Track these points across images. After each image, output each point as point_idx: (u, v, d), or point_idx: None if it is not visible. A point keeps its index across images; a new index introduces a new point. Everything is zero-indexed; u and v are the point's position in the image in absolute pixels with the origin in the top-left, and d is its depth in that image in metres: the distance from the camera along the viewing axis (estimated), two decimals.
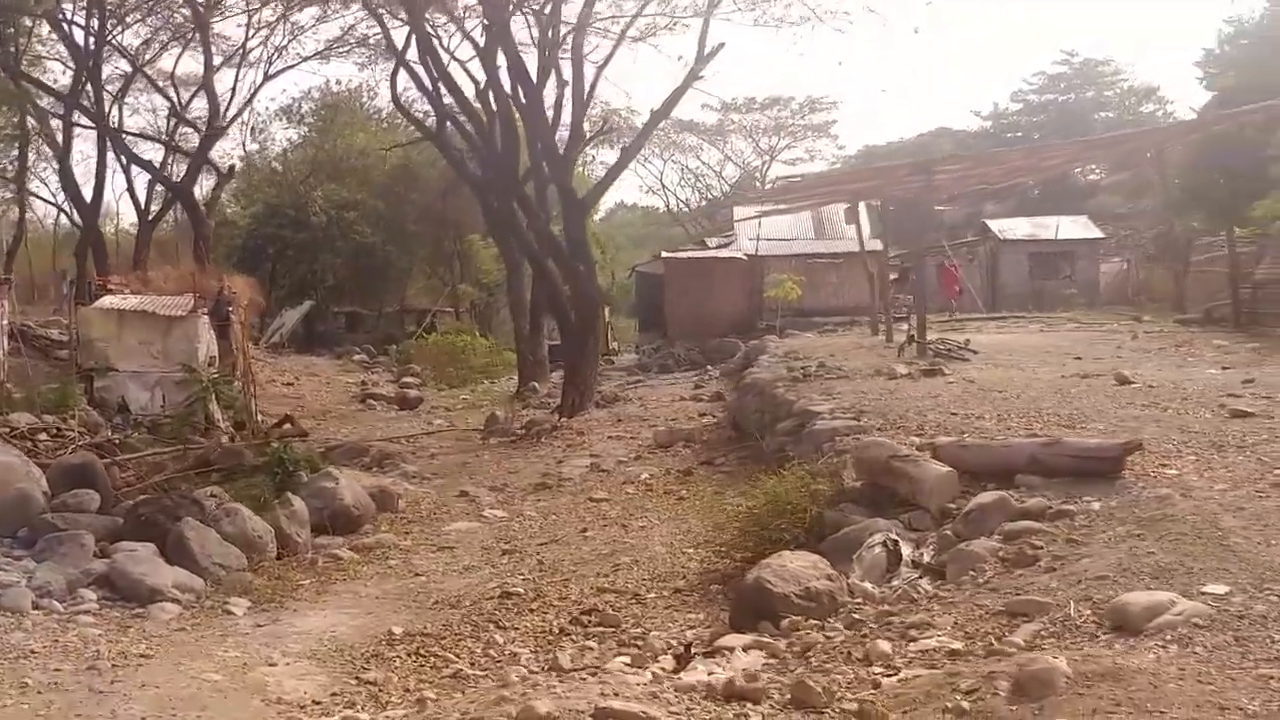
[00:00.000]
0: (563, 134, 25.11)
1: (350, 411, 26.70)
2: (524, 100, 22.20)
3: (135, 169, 37.88)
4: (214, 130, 33.89)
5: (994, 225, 42.15)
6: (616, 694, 5.27)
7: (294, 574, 10.64)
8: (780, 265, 34.02)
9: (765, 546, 9.38)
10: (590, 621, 8.74)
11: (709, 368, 29.63)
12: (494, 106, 24.18)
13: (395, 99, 31.14)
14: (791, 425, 14.40)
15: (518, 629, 8.70)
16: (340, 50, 39.33)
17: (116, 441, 17.70)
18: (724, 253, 35.97)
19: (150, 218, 37.67)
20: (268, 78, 37.15)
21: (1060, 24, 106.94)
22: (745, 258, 35.00)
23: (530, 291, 30.13)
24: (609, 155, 47.92)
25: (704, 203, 63.82)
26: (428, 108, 34.49)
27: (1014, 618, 6.12)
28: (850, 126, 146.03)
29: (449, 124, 28.15)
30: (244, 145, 46.10)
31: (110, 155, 35.19)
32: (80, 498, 11.30)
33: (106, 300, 21.12)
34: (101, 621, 8.82)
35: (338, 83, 46.28)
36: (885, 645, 6.13)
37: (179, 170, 38.53)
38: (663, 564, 10.56)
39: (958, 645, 5.89)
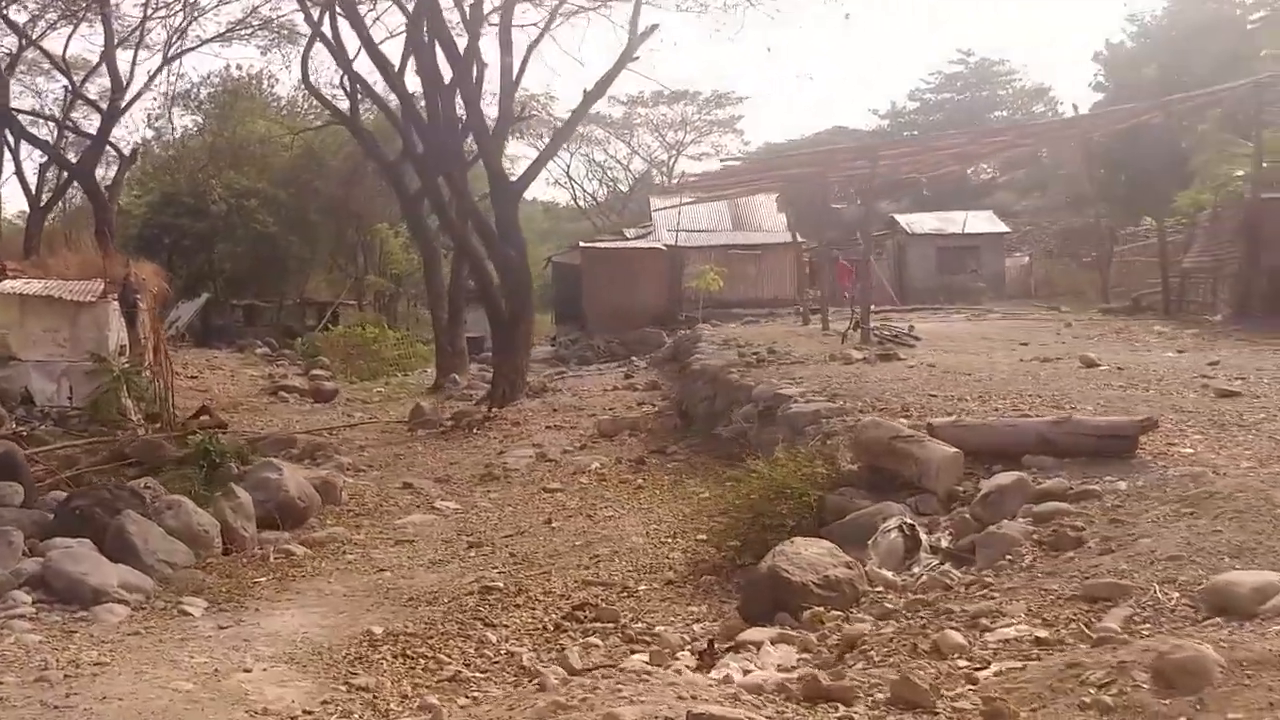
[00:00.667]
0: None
1: (262, 404, 25.53)
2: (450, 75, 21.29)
3: (24, 151, 36.05)
4: (116, 108, 32.16)
5: (901, 219, 42.30)
6: (695, 697, 4.63)
7: (247, 571, 9.75)
8: (700, 257, 33.60)
9: (761, 534, 8.85)
10: (585, 617, 8.05)
11: (633, 358, 29.01)
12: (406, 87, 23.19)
13: (306, 80, 29.91)
14: (751, 410, 13.92)
15: (507, 626, 7.97)
16: (243, 33, 37.93)
17: (23, 434, 16.48)
18: (643, 243, 35.43)
19: (42, 204, 35.73)
20: (167, 60, 35.49)
21: (958, 24, 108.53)
22: (665, 248, 34.50)
23: (450, 280, 29.19)
24: (514, 149, 47.15)
25: (610, 195, 63.17)
26: (336, 90, 33.53)
27: (1094, 603, 5.61)
28: (750, 123, 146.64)
29: (369, 103, 27.08)
30: (170, 118, 43.96)
31: None
32: (1, 491, 10.25)
33: (7, 284, 19.69)
34: (40, 627, 7.88)
35: (238, 67, 44.54)
36: (958, 636, 5.57)
37: (71, 156, 36.65)
38: (644, 555, 9.92)
39: (1043, 634, 5.36)
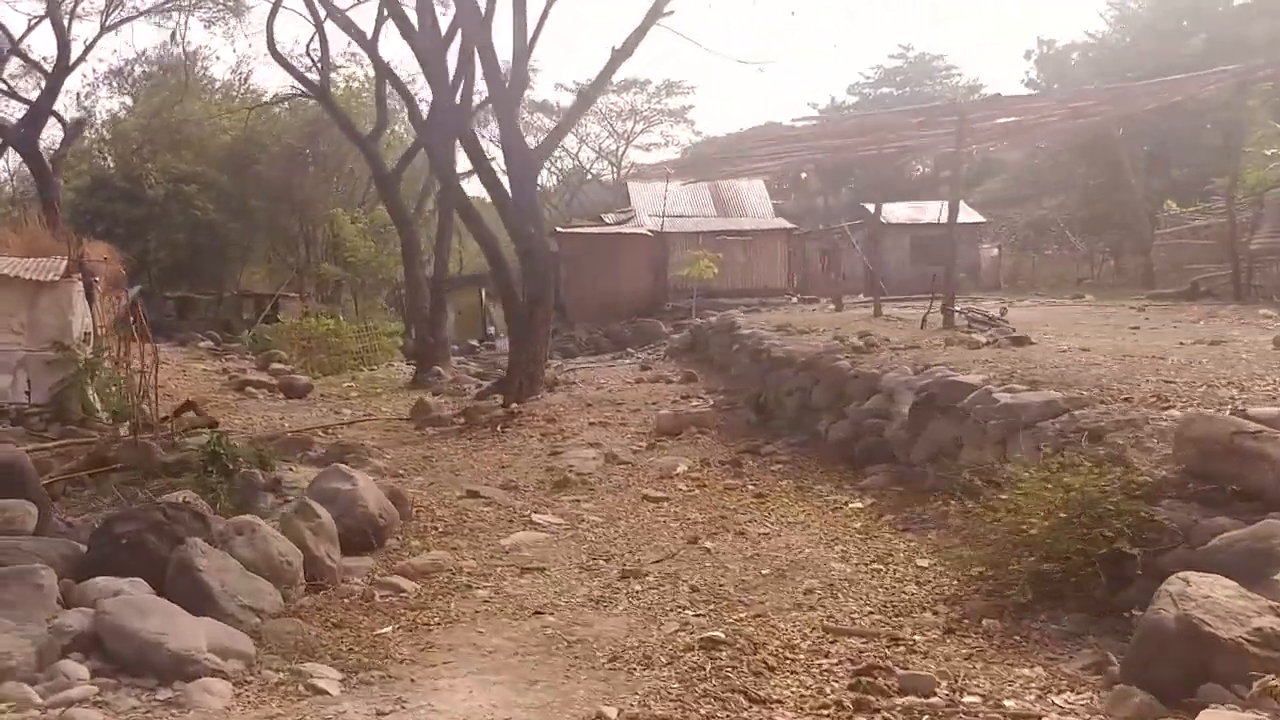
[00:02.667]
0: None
1: (232, 401, 22.58)
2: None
3: None
4: (63, 70, 28.71)
5: (874, 208, 40.35)
6: None
7: (356, 617, 7.15)
8: (686, 243, 31.24)
9: (1051, 562, 6.61)
10: (888, 686, 5.68)
11: (629, 350, 26.65)
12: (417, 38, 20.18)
13: (272, 47, 26.80)
14: (881, 403, 11.66)
15: (781, 701, 5.57)
16: (185, 4, 34.89)
17: None
18: (627, 229, 32.83)
19: None
20: (104, 29, 32.15)
21: (887, 21, 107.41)
22: (651, 234, 31.99)
23: (434, 265, 26.45)
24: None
25: (559, 185, 60.29)
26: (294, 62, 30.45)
27: None
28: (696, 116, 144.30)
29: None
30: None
31: None
32: (10, 512, 7.48)
33: None
34: (114, 718, 5.30)
35: (176, 43, 41.04)
36: None
37: None
38: (867, 588, 7.56)
39: None
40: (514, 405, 17.84)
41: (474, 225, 19.88)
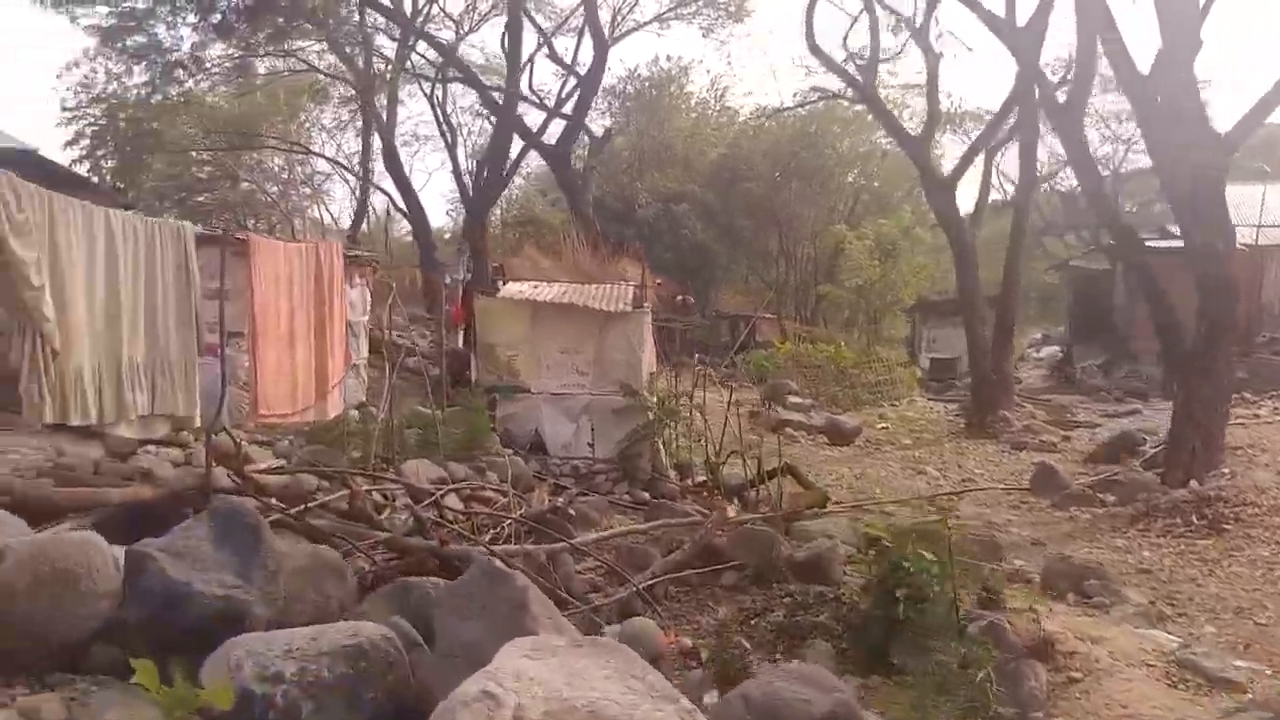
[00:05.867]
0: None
1: (768, 445, 18.82)
2: None
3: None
4: (598, 76, 26.71)
5: None
6: None
7: None
8: None
9: None
10: None
11: (1245, 394, 20.57)
12: None
13: (811, 40, 23.03)
14: None
15: None
16: (685, 12, 32.35)
17: (567, 509, 10.28)
18: None
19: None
20: (613, 40, 30.05)
21: None
22: (1245, 249, 25.39)
23: (1005, 282, 21.64)
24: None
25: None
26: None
27: None
28: None
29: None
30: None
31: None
32: None
33: (514, 288, 13.85)
34: None
35: (668, 58, 39.08)
36: None
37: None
38: None
39: None
40: (1193, 483, 12.70)
41: (1129, 240, 14.83)
